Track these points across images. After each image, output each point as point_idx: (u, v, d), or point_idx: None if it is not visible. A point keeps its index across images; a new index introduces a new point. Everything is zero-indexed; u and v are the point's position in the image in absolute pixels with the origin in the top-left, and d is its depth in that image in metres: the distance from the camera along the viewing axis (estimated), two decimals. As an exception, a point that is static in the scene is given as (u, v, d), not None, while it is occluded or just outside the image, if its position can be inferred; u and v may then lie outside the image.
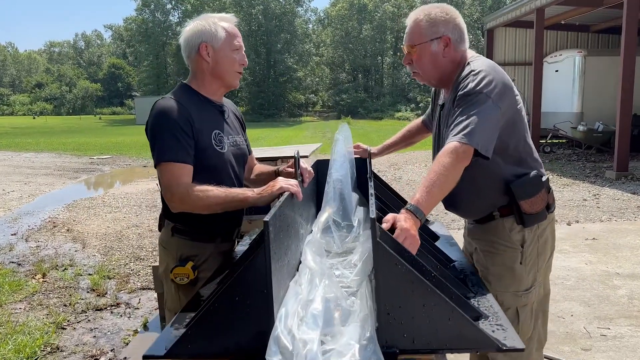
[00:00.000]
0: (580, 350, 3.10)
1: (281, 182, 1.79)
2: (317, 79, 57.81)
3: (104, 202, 9.40)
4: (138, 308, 4.26)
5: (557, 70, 14.66)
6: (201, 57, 1.96)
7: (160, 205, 2.08)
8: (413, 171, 11.68)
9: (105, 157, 17.53)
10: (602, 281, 4.19)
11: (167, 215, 2.04)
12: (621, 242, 5.29)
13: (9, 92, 76.88)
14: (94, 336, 3.74)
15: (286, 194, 1.68)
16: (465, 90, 1.79)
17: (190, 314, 1.59)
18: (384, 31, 54.92)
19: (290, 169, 2.16)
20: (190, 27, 1.98)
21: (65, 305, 4.35)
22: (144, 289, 4.72)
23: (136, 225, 7.48)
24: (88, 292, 4.71)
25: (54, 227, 7.60)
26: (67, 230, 7.38)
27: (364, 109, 46.63)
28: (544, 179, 1.92)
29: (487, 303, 1.55)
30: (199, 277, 1.96)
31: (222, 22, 1.98)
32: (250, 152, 2.30)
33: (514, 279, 1.91)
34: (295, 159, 1.99)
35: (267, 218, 1.27)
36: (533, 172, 1.91)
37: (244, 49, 2.07)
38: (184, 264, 1.94)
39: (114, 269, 5.41)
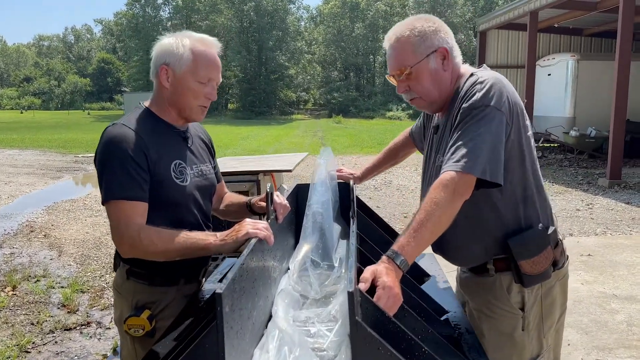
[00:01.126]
0: (579, 386, 2.90)
1: (248, 225, 1.53)
2: (308, 77, 57.38)
3: (85, 205, 9.11)
4: (110, 328, 4.01)
5: (549, 74, 14.51)
6: (160, 80, 1.71)
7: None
8: (404, 175, 11.48)
9: (90, 155, 17.12)
10: (599, 304, 4.00)
11: (120, 256, 1.79)
12: (617, 259, 5.11)
13: (-3, 86, 75.81)
14: (60, 361, 3.48)
15: (253, 240, 1.45)
16: (470, 101, 1.51)
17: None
18: (377, 30, 54.62)
19: (263, 203, 1.92)
20: (161, 42, 1.73)
21: (32, 324, 4.09)
22: (118, 305, 4.46)
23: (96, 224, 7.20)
24: (58, 308, 4.45)
25: (31, 232, 7.31)
26: (44, 235, 7.09)
27: (355, 107, 46.34)
28: (550, 231, 1.62)
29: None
30: (157, 326, 1.71)
31: (196, 45, 1.69)
32: (219, 180, 2.06)
33: (514, 349, 1.64)
34: (267, 194, 1.74)
35: (219, 289, 1.03)
36: (539, 227, 1.61)
37: (218, 81, 1.76)
38: (139, 313, 1.68)
39: (88, 281, 5.14)
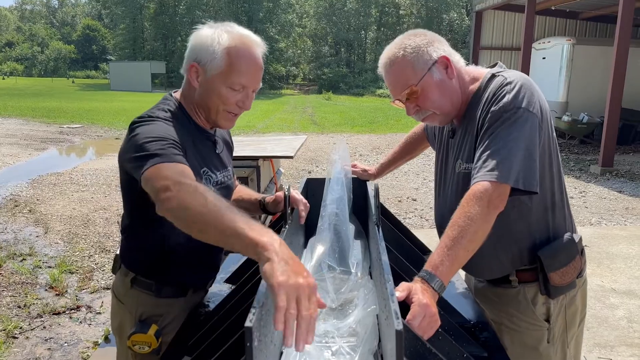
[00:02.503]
0: (582, 386, 2.87)
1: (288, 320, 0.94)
2: (299, 51, 56.63)
3: (71, 179, 8.89)
4: (100, 312, 3.89)
5: (544, 58, 14.39)
6: (190, 78, 1.51)
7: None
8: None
9: (75, 126, 16.77)
10: (598, 299, 3.98)
11: (125, 261, 1.64)
12: (614, 251, 5.09)
13: (-23, 50, 73.60)
14: (49, 348, 3.37)
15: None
16: (500, 104, 1.39)
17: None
18: (369, 5, 53.88)
19: (277, 199, 1.79)
20: (199, 33, 1.49)
21: (19, 307, 3.95)
22: (108, 288, 4.33)
23: (104, 208, 7.03)
24: (46, 289, 4.32)
25: (15, 206, 7.11)
26: (30, 211, 6.90)
27: (345, 84, 45.89)
28: (577, 239, 1.54)
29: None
30: (163, 341, 1.57)
31: (234, 44, 1.45)
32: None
33: None
34: (285, 197, 1.60)
35: (248, 322, 0.91)
36: (566, 236, 1.53)
37: (256, 88, 1.53)
38: (145, 329, 1.51)
39: (77, 261, 5.00)
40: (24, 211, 6.89)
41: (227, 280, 1.95)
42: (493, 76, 1.51)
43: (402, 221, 6.67)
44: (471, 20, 17.16)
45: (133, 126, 1.42)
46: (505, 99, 1.40)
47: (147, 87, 40.38)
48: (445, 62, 1.50)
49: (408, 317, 1.15)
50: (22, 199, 7.52)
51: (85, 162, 10.85)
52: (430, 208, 7.02)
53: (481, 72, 1.57)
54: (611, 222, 6.32)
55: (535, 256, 1.53)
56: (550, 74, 13.98)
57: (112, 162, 10.44)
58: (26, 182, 8.59)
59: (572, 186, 8.46)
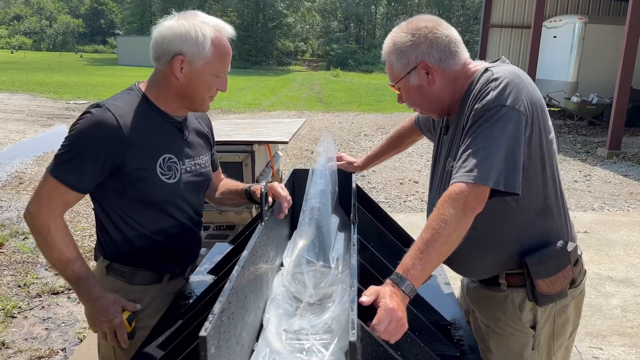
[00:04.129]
0: (571, 376, 2.88)
1: (104, 324, 1.57)
2: (307, 26, 55.96)
3: (76, 157, 8.92)
4: (98, 293, 3.94)
5: (555, 37, 14.11)
6: (171, 69, 1.53)
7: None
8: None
9: (82, 102, 16.77)
10: (594, 286, 3.97)
11: (100, 249, 1.68)
12: (614, 238, 5.05)
13: (-15, 23, 73.45)
14: (46, 328, 3.42)
15: (246, 253, 1.32)
16: (484, 102, 1.35)
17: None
18: (380, -21, 53.01)
19: (257, 192, 1.80)
20: (173, 24, 1.52)
21: (19, 286, 4.02)
22: (107, 269, 4.39)
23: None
24: (46, 269, 4.37)
25: (20, 184, 7.18)
26: (34, 188, 6.95)
27: (354, 60, 45.46)
28: (570, 248, 1.49)
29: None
30: (138, 326, 1.61)
31: (215, 35, 1.53)
32: (216, 168, 1.93)
33: None
34: (262, 194, 1.59)
35: (203, 332, 0.91)
36: (558, 244, 1.48)
37: (229, 70, 1.63)
38: None
39: (77, 240, 5.05)
40: (28, 189, 6.94)
41: (211, 272, 1.96)
42: (485, 71, 1.45)
43: (402, 204, 6.59)
44: (482, -3, 16.81)
45: (80, 115, 1.52)
46: (489, 96, 1.35)
47: (154, 62, 40.19)
48: (425, 68, 1.47)
49: (374, 321, 1.14)
50: (27, 176, 7.58)
51: (91, 139, 10.87)
52: (432, 190, 7.00)
53: (480, 67, 1.51)
54: (614, 208, 6.27)
55: (523, 261, 1.49)
56: (561, 54, 13.74)
57: (116, 140, 10.45)
58: (31, 159, 8.65)
59: (577, 169, 8.38)
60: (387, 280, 1.24)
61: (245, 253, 1.30)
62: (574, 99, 12.66)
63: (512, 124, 1.33)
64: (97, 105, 1.51)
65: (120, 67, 37.49)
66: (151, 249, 1.63)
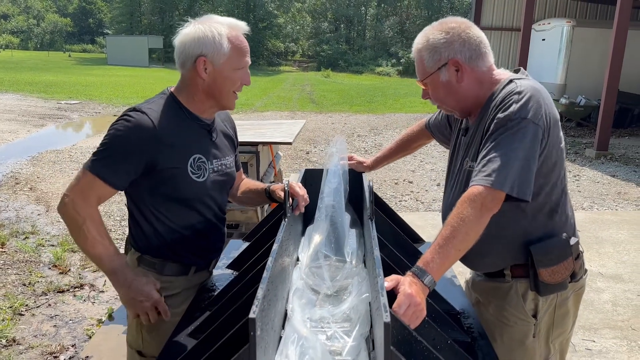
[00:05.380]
0: (565, 367, 3.01)
1: (140, 305, 1.67)
2: (298, 27, 56.00)
3: (71, 157, 8.95)
4: (103, 291, 4.02)
5: (544, 39, 14.34)
6: (197, 72, 1.65)
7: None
8: (395, 138, 11.45)
9: (73, 102, 16.73)
10: (586, 282, 4.10)
11: (132, 243, 1.80)
12: (603, 236, 5.22)
13: (-28, 22, 72.52)
14: (55, 325, 3.49)
15: (276, 246, 1.42)
16: (507, 112, 1.46)
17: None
18: (369, -20, 53.20)
19: (282, 192, 1.91)
20: (190, 30, 1.65)
21: (24, 285, 4.07)
22: (110, 267, 4.45)
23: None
24: (50, 268, 4.43)
25: (16, 184, 7.20)
26: (30, 188, 6.99)
27: (344, 61, 45.54)
28: (572, 242, 1.63)
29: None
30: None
31: (230, 32, 1.66)
32: (238, 168, 2.06)
33: (525, 355, 1.67)
34: (285, 191, 1.71)
35: (252, 314, 1.02)
36: (563, 236, 1.61)
37: (250, 63, 1.75)
38: None
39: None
40: (25, 189, 6.97)
41: (229, 266, 2.06)
42: (510, 82, 1.57)
43: (397, 203, 6.72)
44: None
45: (119, 117, 1.64)
46: (512, 108, 1.47)
47: (144, 62, 40.04)
48: (456, 65, 1.58)
49: (394, 306, 1.25)
50: (23, 176, 7.60)
51: (84, 140, 10.89)
52: (426, 191, 7.13)
53: (504, 76, 1.63)
54: (603, 207, 6.45)
55: (528, 250, 1.61)
56: (549, 56, 13.96)
57: (111, 140, 10.47)
58: (26, 160, 8.66)
59: (567, 170, 8.56)
60: (408, 272, 1.35)
61: (275, 246, 1.41)
62: (563, 100, 12.88)
63: (530, 136, 1.45)
64: (134, 109, 1.63)
65: (110, 66, 37.29)
66: (179, 243, 1.75)
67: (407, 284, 1.30)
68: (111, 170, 1.59)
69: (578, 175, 8.19)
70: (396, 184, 7.51)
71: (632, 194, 7.12)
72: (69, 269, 4.39)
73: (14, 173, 7.77)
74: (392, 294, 1.30)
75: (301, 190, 1.84)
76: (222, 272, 2.01)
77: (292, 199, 1.84)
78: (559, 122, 1.58)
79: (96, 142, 10.34)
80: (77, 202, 1.58)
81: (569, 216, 1.69)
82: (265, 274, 1.21)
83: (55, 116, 13.83)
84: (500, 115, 1.48)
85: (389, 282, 1.31)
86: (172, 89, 1.76)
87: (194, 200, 1.72)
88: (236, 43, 1.66)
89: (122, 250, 1.88)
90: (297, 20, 55.47)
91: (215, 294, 1.77)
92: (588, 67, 13.12)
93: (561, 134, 1.59)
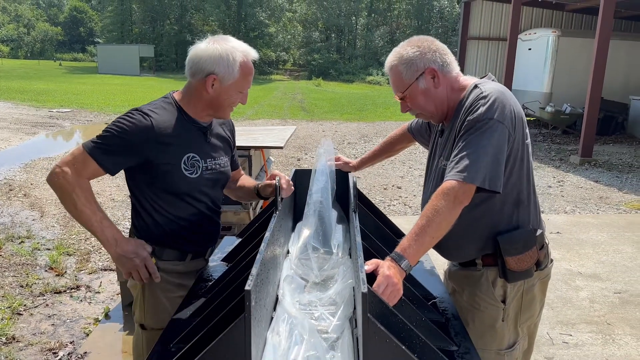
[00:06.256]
0: (544, 359, 3.17)
1: (130, 263, 1.83)
2: (289, 36, 56.37)
3: (64, 164, 9.01)
4: (99, 292, 4.13)
5: (530, 49, 14.66)
6: (204, 85, 1.83)
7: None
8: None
9: (65, 110, 16.79)
10: (565, 281, 4.28)
11: (135, 233, 1.97)
12: (584, 238, 5.41)
13: (-39, 30, 72.20)
14: (53, 324, 3.60)
15: (268, 233, 1.57)
16: (475, 115, 1.64)
17: None
18: (360, -10, 53.72)
19: (269, 188, 2.06)
20: (209, 47, 1.82)
21: (21, 286, 4.17)
22: (105, 269, 4.57)
23: (97, 193, 7.17)
24: (46, 270, 4.53)
25: (10, 190, 7.28)
26: (24, 195, 7.08)
27: (335, 70, 45.94)
28: (537, 233, 1.78)
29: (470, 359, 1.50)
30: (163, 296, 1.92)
31: (243, 59, 1.84)
32: (236, 167, 2.25)
33: (495, 337, 1.82)
34: (275, 187, 1.89)
35: (248, 287, 1.16)
36: (529, 227, 1.77)
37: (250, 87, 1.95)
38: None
39: (74, 244, 5.21)
40: (19, 195, 7.06)
41: (224, 259, 2.20)
42: (475, 87, 1.75)
43: (386, 208, 6.89)
44: (460, 10, 17.35)
45: (124, 114, 1.82)
46: (479, 111, 1.64)
47: (135, 70, 40.13)
48: (432, 73, 1.76)
49: (374, 285, 1.40)
50: (17, 183, 7.68)
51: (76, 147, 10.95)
52: (414, 196, 7.30)
53: (470, 81, 1.81)
54: (585, 211, 6.65)
55: (497, 242, 1.76)
56: (535, 65, 14.27)
57: (103, 147, 10.56)
58: (19, 167, 8.73)
59: (552, 175, 8.78)
60: (387, 257, 1.50)
61: (267, 234, 1.55)
62: (548, 108, 13.16)
63: (497, 135, 1.62)
64: (138, 110, 1.81)
65: (101, 75, 37.32)
66: (176, 232, 1.93)
67: (385, 267, 1.45)
68: (107, 156, 1.76)
69: (562, 180, 8.41)
70: (385, 189, 7.68)
71: (613, 198, 7.34)
72: (65, 272, 4.50)
73: (7, 180, 7.84)
74: (373, 277, 1.45)
75: (285, 184, 2.01)
76: (216, 264, 2.16)
77: (282, 198, 1.99)
78: (525, 119, 1.74)
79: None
80: (68, 173, 1.74)
81: (536, 210, 1.84)
82: (258, 257, 1.35)
83: (47, 124, 13.89)
84: (469, 117, 1.65)
85: (369, 265, 1.47)
86: (174, 94, 1.94)
87: (187, 194, 1.90)
88: (245, 70, 1.84)
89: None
90: (288, 29, 55.82)
91: (212, 282, 1.92)
92: (573, 76, 13.42)
93: (527, 131, 1.76)
